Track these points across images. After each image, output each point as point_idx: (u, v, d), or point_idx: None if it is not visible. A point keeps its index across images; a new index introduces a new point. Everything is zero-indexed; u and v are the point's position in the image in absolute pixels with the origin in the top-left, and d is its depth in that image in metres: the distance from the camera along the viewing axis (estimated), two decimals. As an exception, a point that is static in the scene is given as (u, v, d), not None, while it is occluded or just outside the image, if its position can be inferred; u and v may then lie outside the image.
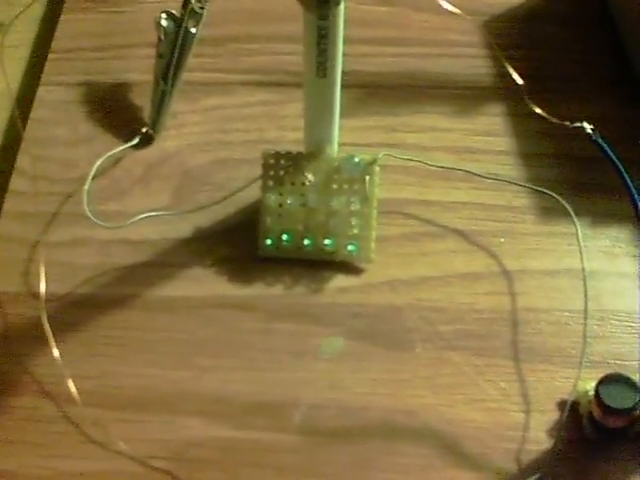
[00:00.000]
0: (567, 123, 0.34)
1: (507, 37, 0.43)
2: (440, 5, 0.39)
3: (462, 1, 0.41)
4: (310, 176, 0.36)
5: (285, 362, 0.34)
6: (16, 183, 0.39)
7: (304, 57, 0.32)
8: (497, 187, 0.37)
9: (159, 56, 0.40)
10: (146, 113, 0.41)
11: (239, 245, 0.37)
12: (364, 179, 0.35)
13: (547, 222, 0.37)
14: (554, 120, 0.35)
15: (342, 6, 0.30)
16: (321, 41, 0.31)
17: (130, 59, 0.43)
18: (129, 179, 0.39)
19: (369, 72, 0.42)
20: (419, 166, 0.37)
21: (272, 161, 0.36)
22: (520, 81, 0.37)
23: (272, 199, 0.36)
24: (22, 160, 0.40)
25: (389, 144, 0.39)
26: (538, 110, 0.36)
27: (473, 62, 0.42)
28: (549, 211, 0.37)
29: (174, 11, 0.39)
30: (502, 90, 0.41)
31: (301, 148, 0.36)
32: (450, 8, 0.39)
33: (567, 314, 0.34)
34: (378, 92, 0.41)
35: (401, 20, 0.44)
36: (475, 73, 0.42)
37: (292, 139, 0.39)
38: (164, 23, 0.39)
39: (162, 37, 0.39)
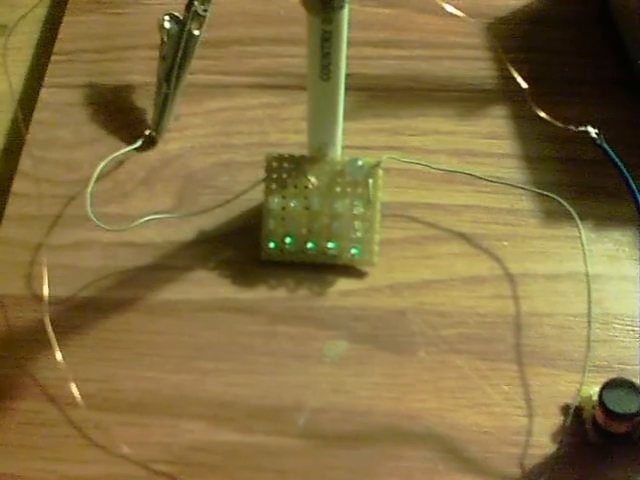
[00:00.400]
0: (571, 127, 0.34)
1: (511, 39, 0.43)
2: (443, 7, 0.39)
3: (465, 3, 0.41)
4: (313, 179, 0.36)
5: (288, 366, 0.34)
6: (18, 186, 0.39)
7: (308, 60, 0.32)
8: (500, 190, 0.37)
9: (162, 58, 0.40)
10: (149, 115, 0.41)
11: (242, 248, 0.36)
12: (367, 182, 0.35)
13: (550, 225, 0.37)
14: (558, 124, 0.35)
15: (346, 10, 0.30)
16: (325, 44, 0.31)
17: (133, 61, 0.43)
18: (132, 182, 0.39)
19: (372, 75, 0.42)
20: (422, 169, 0.37)
21: (275, 164, 0.36)
22: (524, 85, 0.37)
23: (275, 202, 0.36)
24: (25, 162, 0.39)
25: (392, 147, 0.39)
26: (542, 114, 0.36)
27: (476, 65, 0.42)
28: (552, 214, 0.37)
29: (177, 13, 0.39)
30: (506, 93, 0.41)
31: (304, 151, 0.36)
32: (453, 11, 0.39)
33: (571, 318, 0.34)
34: (381, 95, 0.41)
35: (404, 22, 0.44)
36: (478, 76, 0.42)
37: (295, 142, 0.38)
38: (167, 25, 0.39)
39: (165, 39, 0.39)
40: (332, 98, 0.33)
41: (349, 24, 0.30)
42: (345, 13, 0.30)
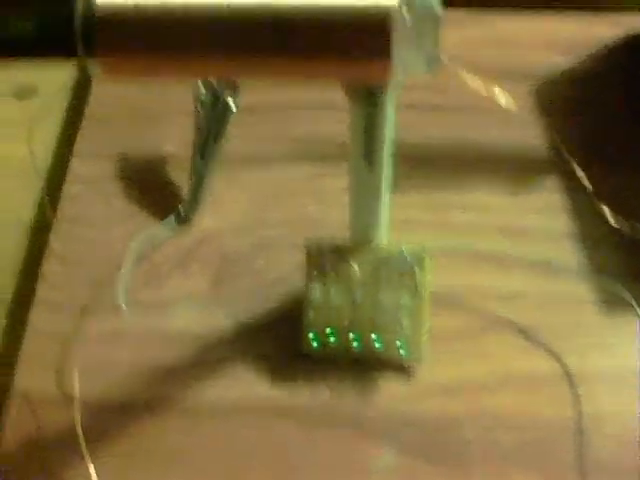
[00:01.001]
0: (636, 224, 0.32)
1: (557, 103, 0.40)
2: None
3: (510, 67, 0.39)
4: (356, 268, 0.33)
5: (329, 478, 0.31)
6: (48, 268, 0.37)
7: (350, 145, 0.30)
8: (554, 274, 0.35)
9: (197, 129, 0.38)
10: (182, 188, 0.39)
11: (282, 339, 0.34)
12: (414, 272, 0.33)
13: (610, 314, 0.34)
14: (621, 221, 0.33)
15: (392, 95, 0.28)
16: (369, 130, 0.29)
17: (165, 129, 0.41)
18: (166, 263, 0.37)
19: (414, 143, 0.40)
20: (470, 251, 0.35)
21: (316, 252, 0.34)
22: (590, 187, 0.34)
23: (316, 292, 0.34)
24: (54, 241, 0.38)
25: (437, 224, 0.37)
26: (606, 211, 0.33)
27: (526, 132, 0.40)
28: (611, 301, 0.35)
29: (212, 81, 0.37)
30: (558, 164, 0.38)
31: (345, 230, 0.34)
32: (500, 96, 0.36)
33: (638, 418, 0.32)
34: (423, 165, 0.39)
35: (446, 86, 0.41)
36: (529, 144, 0.39)
37: (335, 218, 0.36)
38: (202, 95, 0.38)
39: (199, 109, 0.38)
40: (376, 184, 0.31)
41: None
42: (390, 98, 0.28)
